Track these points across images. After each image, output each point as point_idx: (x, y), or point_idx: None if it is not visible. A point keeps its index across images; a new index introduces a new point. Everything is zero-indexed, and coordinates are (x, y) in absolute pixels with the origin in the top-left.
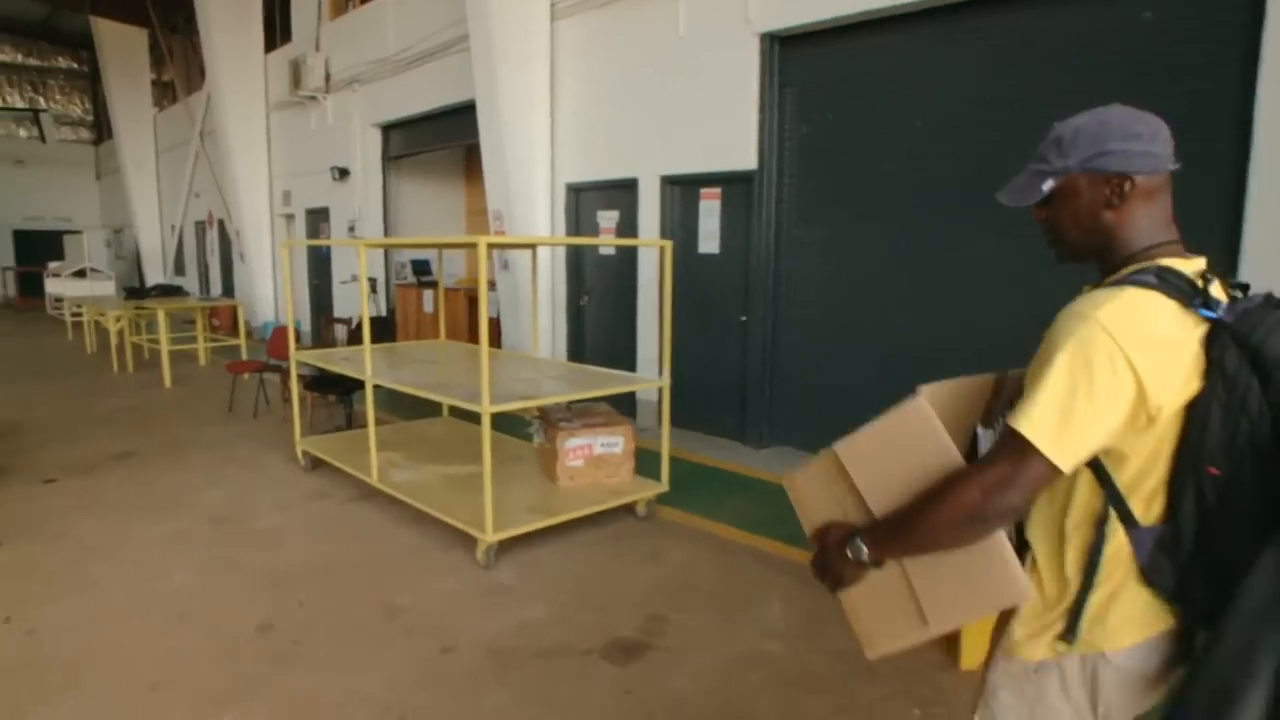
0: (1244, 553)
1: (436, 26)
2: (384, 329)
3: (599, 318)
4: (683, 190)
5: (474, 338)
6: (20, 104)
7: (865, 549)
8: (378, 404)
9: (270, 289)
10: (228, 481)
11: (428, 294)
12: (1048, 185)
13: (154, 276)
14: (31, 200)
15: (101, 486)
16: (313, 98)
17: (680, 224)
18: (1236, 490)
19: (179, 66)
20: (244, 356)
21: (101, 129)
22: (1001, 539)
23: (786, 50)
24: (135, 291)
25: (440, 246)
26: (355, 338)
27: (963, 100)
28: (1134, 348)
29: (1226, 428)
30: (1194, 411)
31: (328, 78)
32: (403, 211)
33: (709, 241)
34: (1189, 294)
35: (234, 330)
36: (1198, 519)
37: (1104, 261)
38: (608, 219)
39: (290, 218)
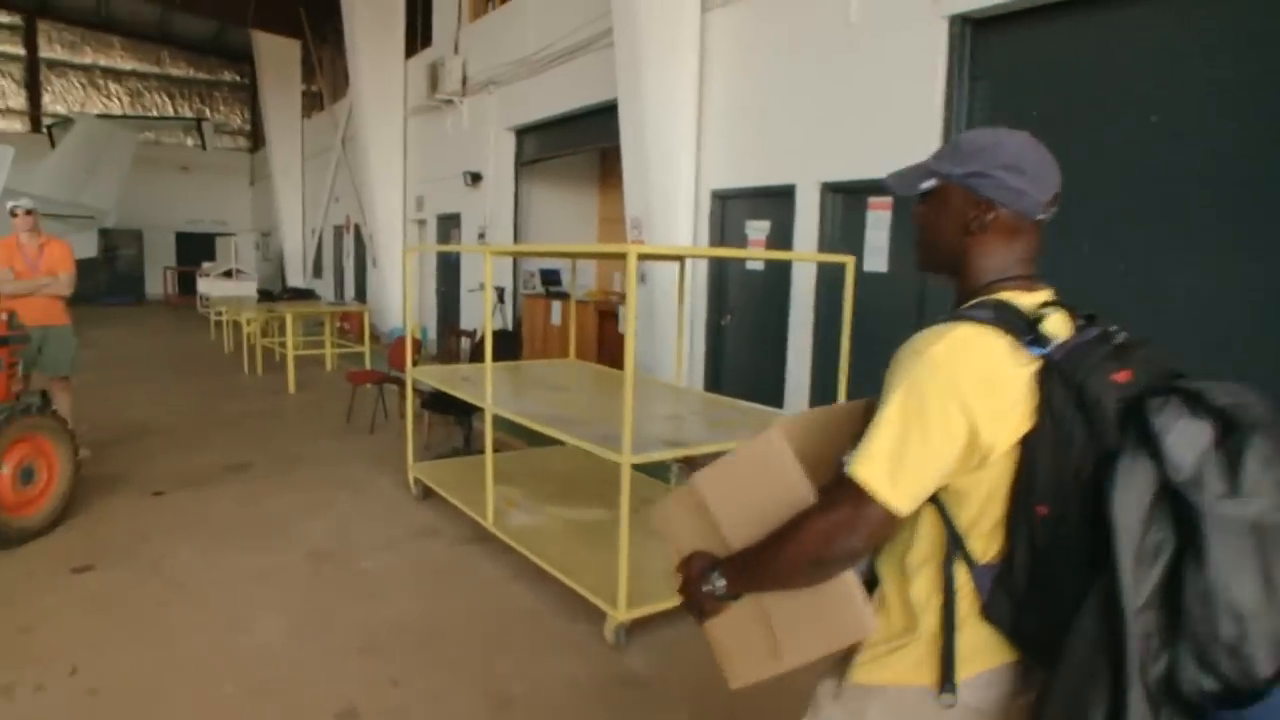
0: (1074, 592)
1: (578, 22)
2: (508, 344)
3: (741, 340)
4: (846, 199)
5: (604, 356)
6: (189, 114)
7: (722, 582)
8: (498, 425)
9: (399, 295)
10: (335, 508)
11: (556, 306)
12: (927, 184)
13: (295, 279)
14: (193, 204)
15: (208, 504)
16: (449, 101)
17: (842, 237)
18: (1065, 529)
19: (327, 75)
20: (368, 365)
21: (257, 137)
22: (849, 577)
23: (981, 34)
24: (268, 294)
25: (581, 256)
26: (479, 352)
27: (1199, 92)
28: (967, 386)
29: (1054, 467)
30: (1025, 450)
31: (465, 80)
32: (534, 218)
33: (875, 258)
34: (1022, 330)
35: (364, 336)
36: (1030, 557)
37: (956, 285)
38: (757, 230)
39: (422, 223)
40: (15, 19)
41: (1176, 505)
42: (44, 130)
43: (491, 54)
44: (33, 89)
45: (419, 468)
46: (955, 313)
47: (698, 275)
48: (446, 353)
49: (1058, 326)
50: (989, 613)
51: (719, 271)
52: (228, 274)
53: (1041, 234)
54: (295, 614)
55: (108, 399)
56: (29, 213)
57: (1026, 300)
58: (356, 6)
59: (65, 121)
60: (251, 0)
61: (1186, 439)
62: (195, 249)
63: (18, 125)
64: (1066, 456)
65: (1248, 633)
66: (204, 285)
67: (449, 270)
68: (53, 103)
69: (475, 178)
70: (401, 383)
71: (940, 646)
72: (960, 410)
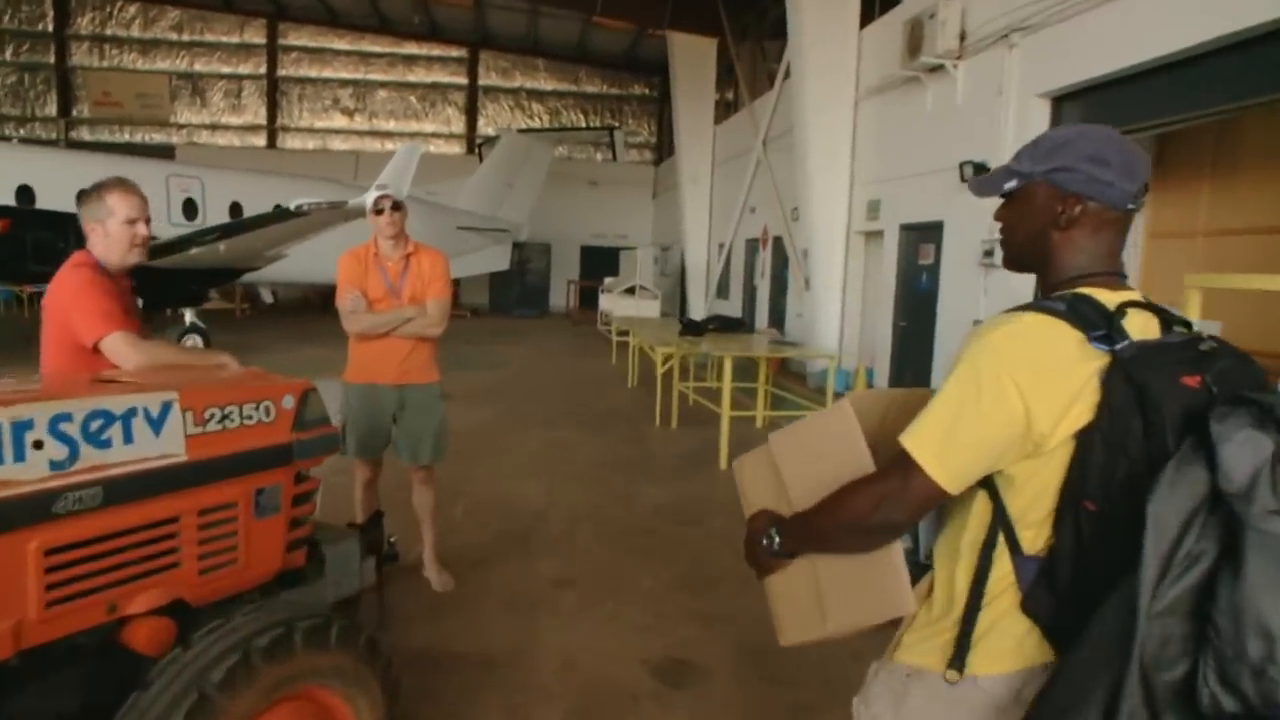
0: (1112, 592)
1: None
2: None
3: None
4: None
5: None
6: (598, 125)
7: (778, 539)
8: None
9: (836, 326)
10: None
11: None
12: (1010, 185)
13: (695, 295)
14: (598, 218)
15: None
16: (937, 67)
17: None
18: (1110, 529)
19: (745, 73)
20: None
21: (662, 150)
22: (895, 552)
23: None
24: (692, 325)
25: None
26: None
27: None
28: (1023, 371)
29: (1106, 465)
30: (1080, 444)
31: (962, 36)
32: None
33: None
34: (1095, 324)
35: (780, 373)
36: (1075, 552)
37: (1040, 280)
38: None
39: (874, 235)
40: (462, 52)
41: (1224, 517)
42: (475, 151)
43: None
44: (470, 114)
45: None
46: (1030, 302)
47: None
48: None
49: (1141, 326)
50: (1028, 605)
51: None
52: (630, 290)
53: (1128, 226)
54: None
55: (495, 452)
56: (397, 207)
57: (1108, 297)
58: None
59: (491, 141)
60: (669, 1)
61: (1245, 450)
62: (598, 263)
63: (456, 148)
64: (1120, 456)
65: (1275, 654)
66: (605, 301)
67: (917, 300)
68: (485, 125)
69: (978, 169)
70: None
71: (978, 629)
72: (1017, 394)
